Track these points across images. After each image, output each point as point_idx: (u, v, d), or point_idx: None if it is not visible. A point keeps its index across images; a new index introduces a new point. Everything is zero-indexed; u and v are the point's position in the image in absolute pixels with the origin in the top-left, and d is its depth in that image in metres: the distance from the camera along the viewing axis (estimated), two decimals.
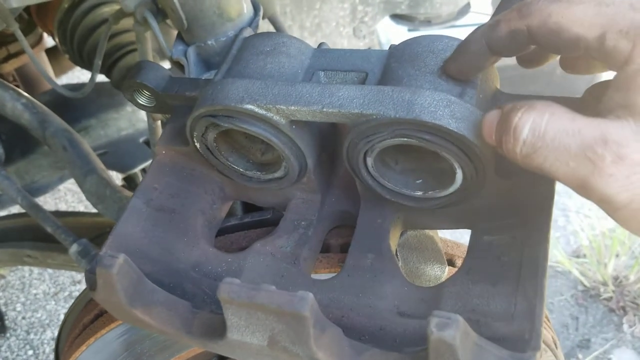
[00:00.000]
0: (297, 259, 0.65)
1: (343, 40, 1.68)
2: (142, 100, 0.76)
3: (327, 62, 0.67)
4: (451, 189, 0.61)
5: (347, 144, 0.60)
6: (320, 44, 0.71)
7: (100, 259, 0.57)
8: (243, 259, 0.66)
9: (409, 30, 2.52)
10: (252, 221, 0.74)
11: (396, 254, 0.68)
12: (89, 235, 1.41)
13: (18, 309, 2.20)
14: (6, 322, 2.11)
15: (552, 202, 0.56)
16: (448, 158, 0.57)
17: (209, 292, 0.63)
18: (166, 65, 1.00)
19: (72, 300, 2.27)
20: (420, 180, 0.63)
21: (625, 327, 2.00)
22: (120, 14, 0.94)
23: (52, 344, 2.09)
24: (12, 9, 1.11)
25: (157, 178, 0.70)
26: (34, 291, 2.24)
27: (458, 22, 2.30)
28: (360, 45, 1.71)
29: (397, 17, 2.10)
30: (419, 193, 0.63)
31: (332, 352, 0.54)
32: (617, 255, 2.17)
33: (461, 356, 0.46)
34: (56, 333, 2.16)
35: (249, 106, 0.60)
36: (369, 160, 0.61)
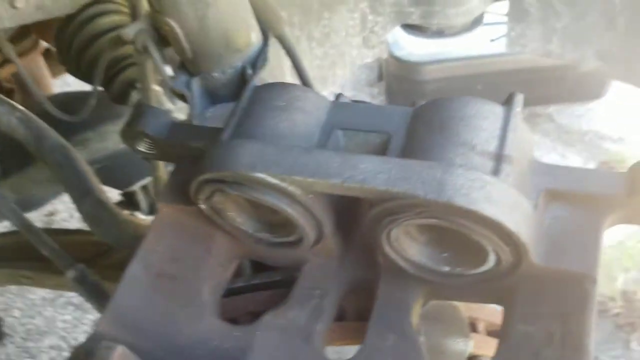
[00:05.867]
0: (311, 335, 0.60)
1: (352, 50, 1.62)
2: (142, 148, 0.71)
3: (345, 119, 0.62)
4: (482, 269, 0.55)
5: (369, 218, 0.55)
6: (338, 96, 0.65)
7: (95, 350, 0.51)
8: (251, 334, 0.60)
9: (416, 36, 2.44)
10: (261, 283, 0.69)
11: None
12: (87, 255, 1.36)
13: (15, 314, 2.15)
14: (4, 328, 2.06)
15: (594, 299, 0.51)
16: (481, 242, 0.52)
17: None
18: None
19: (70, 307, 2.23)
20: (447, 254, 0.58)
21: (633, 344, 1.96)
22: (118, 41, 0.88)
23: (51, 352, 2.05)
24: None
25: (158, 239, 0.65)
26: (32, 297, 2.19)
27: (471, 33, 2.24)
28: (370, 54, 1.65)
29: (409, 27, 2.04)
30: (446, 268, 0.58)
31: None
32: (626, 270, 2.13)
33: None
34: (54, 341, 2.12)
35: (261, 175, 0.55)
36: (393, 235, 0.56)
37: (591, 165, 2.61)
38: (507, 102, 0.58)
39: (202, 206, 0.61)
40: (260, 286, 0.69)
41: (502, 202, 0.50)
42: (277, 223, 0.62)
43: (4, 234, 1.40)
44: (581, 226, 0.54)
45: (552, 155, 2.67)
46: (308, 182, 0.54)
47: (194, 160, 0.62)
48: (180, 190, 0.65)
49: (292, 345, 0.60)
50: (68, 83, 2.07)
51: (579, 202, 0.55)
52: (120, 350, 0.51)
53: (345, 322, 0.65)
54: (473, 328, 0.68)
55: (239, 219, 0.63)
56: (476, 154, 0.53)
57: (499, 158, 0.53)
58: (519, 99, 0.58)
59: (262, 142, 0.57)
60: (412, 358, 0.57)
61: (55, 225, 2.32)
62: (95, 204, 1.22)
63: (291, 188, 0.55)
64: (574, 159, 2.64)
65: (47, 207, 2.36)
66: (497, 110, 0.56)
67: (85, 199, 1.23)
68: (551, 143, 2.76)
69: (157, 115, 0.69)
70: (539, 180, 0.55)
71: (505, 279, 0.56)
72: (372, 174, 0.52)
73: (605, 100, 2.81)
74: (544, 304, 0.54)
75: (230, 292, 0.69)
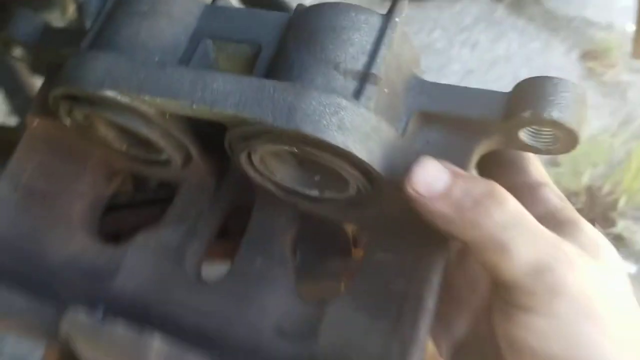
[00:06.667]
0: (183, 256, 0.59)
1: None
2: (18, 55, 0.65)
3: (218, 26, 0.56)
4: (347, 195, 0.53)
5: (227, 142, 0.52)
6: None
7: None
8: (123, 253, 0.59)
9: None
10: (143, 200, 0.67)
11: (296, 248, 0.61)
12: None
13: None
14: None
15: None
16: (337, 170, 0.49)
17: (82, 293, 0.58)
18: None
19: None
20: (319, 177, 0.55)
21: None
22: None
23: None
24: None
25: (28, 156, 0.61)
26: None
27: None
28: None
29: None
30: (316, 192, 0.55)
31: None
32: (594, 165, 2.11)
33: None
34: None
35: (110, 92, 0.50)
36: (255, 159, 0.52)
37: (574, 55, 2.52)
38: (389, 10, 0.52)
39: (67, 121, 0.57)
40: (146, 202, 0.67)
41: (356, 129, 0.46)
42: (147, 141, 0.59)
43: None
44: (452, 152, 0.50)
45: (534, 43, 2.57)
46: (157, 102, 0.50)
47: None
48: None
49: (162, 266, 0.59)
50: None
51: (452, 125, 0.51)
52: None
53: (226, 240, 0.63)
54: (356, 244, 0.66)
55: (109, 135, 0.59)
56: (339, 74, 0.48)
57: (364, 78, 0.48)
58: (402, 5, 0.52)
59: (116, 54, 0.52)
60: (277, 279, 0.56)
61: None
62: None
63: (144, 108, 0.51)
64: (557, 47, 2.54)
65: None
66: (374, 20, 0.51)
67: (18, 94, 1.19)
68: (535, 30, 2.65)
69: (29, 19, 0.63)
70: (413, 101, 0.51)
71: (374, 206, 0.53)
72: (222, 95, 0.48)
73: None
74: (405, 234, 0.52)
75: (114, 208, 0.67)
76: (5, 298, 0.53)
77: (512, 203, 0.45)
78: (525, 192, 0.51)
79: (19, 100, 1.20)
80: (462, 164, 0.50)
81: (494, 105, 0.49)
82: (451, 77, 2.49)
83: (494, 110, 0.49)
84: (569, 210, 0.50)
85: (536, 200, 0.51)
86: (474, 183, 0.45)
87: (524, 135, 0.49)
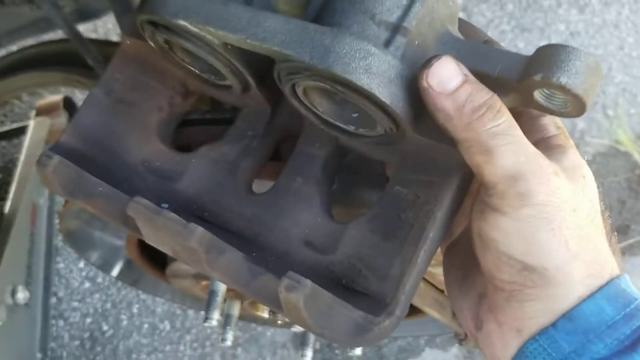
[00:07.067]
0: (237, 169, 0.69)
1: None
2: None
3: None
4: (377, 133, 0.60)
5: (275, 75, 0.60)
6: None
7: (39, 158, 0.63)
8: (189, 161, 0.70)
9: None
10: (213, 119, 0.77)
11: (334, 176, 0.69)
12: None
13: None
14: None
15: (461, 171, 0.55)
16: (365, 109, 0.56)
17: (151, 188, 0.69)
18: None
19: None
20: (357, 114, 0.62)
21: None
22: None
23: None
24: None
25: (120, 69, 0.72)
26: None
27: None
28: None
29: None
30: (352, 127, 0.62)
31: (228, 274, 0.60)
32: None
33: (306, 315, 0.50)
34: None
35: (182, 22, 0.60)
36: (299, 92, 0.60)
37: None
38: None
39: (151, 44, 0.68)
40: (215, 121, 0.77)
41: (381, 74, 0.52)
42: (214, 67, 0.68)
43: (57, 41, 1.53)
44: None
45: None
46: (220, 34, 0.58)
47: None
48: None
49: (219, 175, 0.69)
50: None
51: None
52: (57, 160, 0.62)
53: (277, 162, 0.73)
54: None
55: (185, 59, 0.69)
56: (374, 24, 0.54)
57: (395, 30, 0.54)
58: None
59: None
60: (311, 198, 0.64)
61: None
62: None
63: (209, 38, 0.60)
64: None
65: None
66: None
67: (126, 15, 1.31)
68: None
69: None
70: None
71: (399, 146, 0.60)
72: (272, 33, 0.56)
73: None
74: (422, 171, 0.58)
75: (187, 123, 0.77)
76: (91, 182, 0.65)
77: (505, 116, 0.50)
78: (528, 120, 0.57)
79: (127, 20, 1.33)
80: None
81: (513, 67, 0.54)
82: (554, 37, 2.40)
83: (512, 71, 0.54)
84: (562, 137, 0.55)
85: (536, 127, 0.56)
86: (479, 91, 0.51)
87: (538, 96, 0.53)
